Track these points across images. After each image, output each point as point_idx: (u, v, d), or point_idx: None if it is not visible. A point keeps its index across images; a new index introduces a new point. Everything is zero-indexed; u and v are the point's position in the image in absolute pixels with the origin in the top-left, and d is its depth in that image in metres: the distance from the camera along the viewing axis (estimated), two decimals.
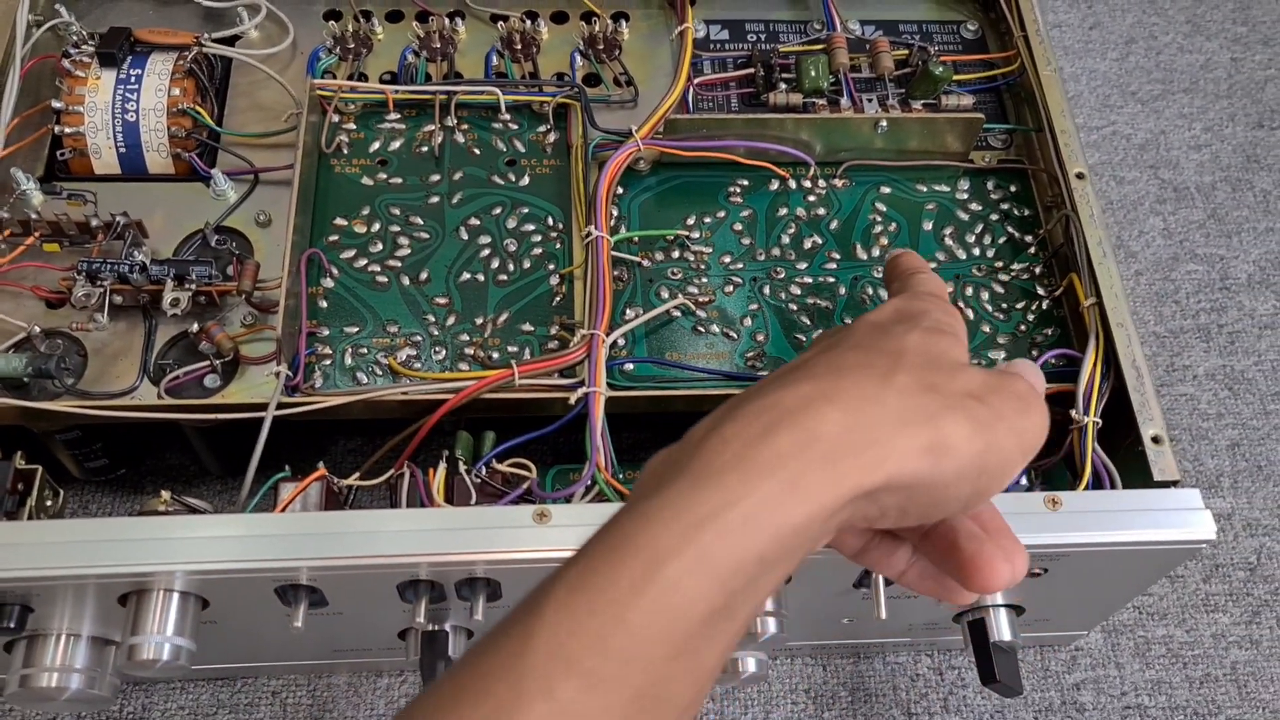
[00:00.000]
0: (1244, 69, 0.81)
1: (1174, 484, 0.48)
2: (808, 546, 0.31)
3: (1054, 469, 0.52)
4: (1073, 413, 0.50)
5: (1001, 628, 0.50)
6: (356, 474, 0.50)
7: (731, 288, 0.55)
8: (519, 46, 0.61)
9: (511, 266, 0.55)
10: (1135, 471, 0.49)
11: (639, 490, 0.32)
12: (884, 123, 0.57)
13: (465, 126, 0.59)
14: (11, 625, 0.44)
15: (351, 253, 0.55)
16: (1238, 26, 0.83)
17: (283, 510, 0.46)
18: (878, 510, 0.32)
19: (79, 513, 0.59)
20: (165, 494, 0.47)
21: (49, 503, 0.48)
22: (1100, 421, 0.49)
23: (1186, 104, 0.79)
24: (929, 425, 0.31)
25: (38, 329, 0.50)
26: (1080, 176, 0.56)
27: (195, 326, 0.51)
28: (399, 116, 0.59)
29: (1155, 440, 0.48)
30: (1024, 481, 0.50)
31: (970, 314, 0.55)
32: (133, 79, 0.56)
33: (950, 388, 0.33)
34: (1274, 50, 0.82)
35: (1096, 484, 0.48)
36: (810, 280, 0.56)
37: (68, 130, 0.55)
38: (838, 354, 0.34)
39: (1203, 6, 0.84)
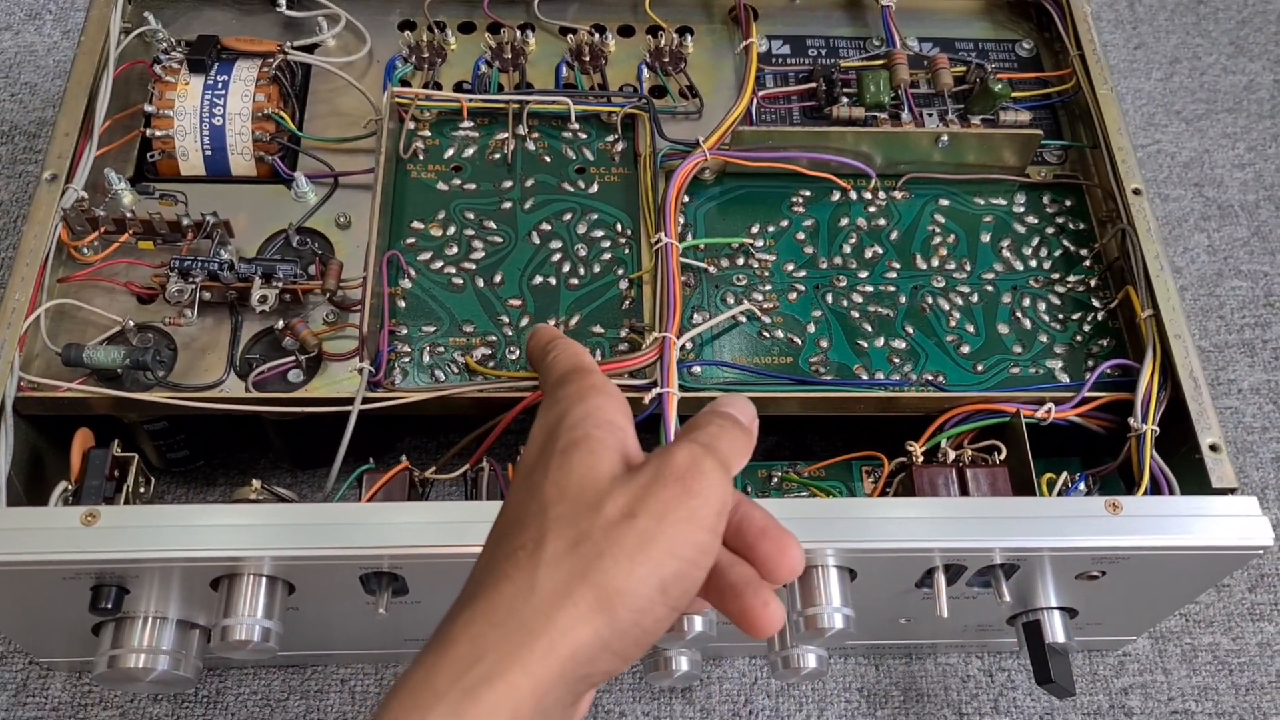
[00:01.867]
0: None
1: (1232, 491, 0.49)
2: None
3: (1110, 477, 0.53)
4: (1131, 421, 0.51)
5: (1056, 630, 0.52)
6: (433, 468, 0.52)
7: (795, 295, 0.57)
8: (587, 58, 0.63)
9: (582, 270, 0.57)
10: (1190, 480, 0.50)
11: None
12: (945, 137, 0.58)
13: (536, 135, 0.61)
14: (109, 606, 0.46)
15: (428, 255, 0.56)
16: None
17: (369, 499, 0.48)
18: (592, 679, 0.31)
19: (155, 502, 0.60)
20: (256, 482, 0.49)
21: (142, 490, 0.50)
22: (1159, 430, 0.51)
23: (1230, 123, 0.81)
24: (586, 584, 0.30)
25: (131, 323, 0.52)
26: (1137, 192, 0.57)
27: (280, 323, 0.52)
28: (472, 124, 0.61)
29: (1213, 448, 0.50)
30: (1082, 487, 0.52)
31: (1028, 324, 0.56)
32: (220, 85, 0.58)
33: (599, 523, 0.31)
34: None
35: (1154, 490, 0.50)
36: (871, 289, 0.57)
37: (158, 133, 0.57)
38: (495, 546, 0.33)
39: (1246, 29, 0.86)
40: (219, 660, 0.56)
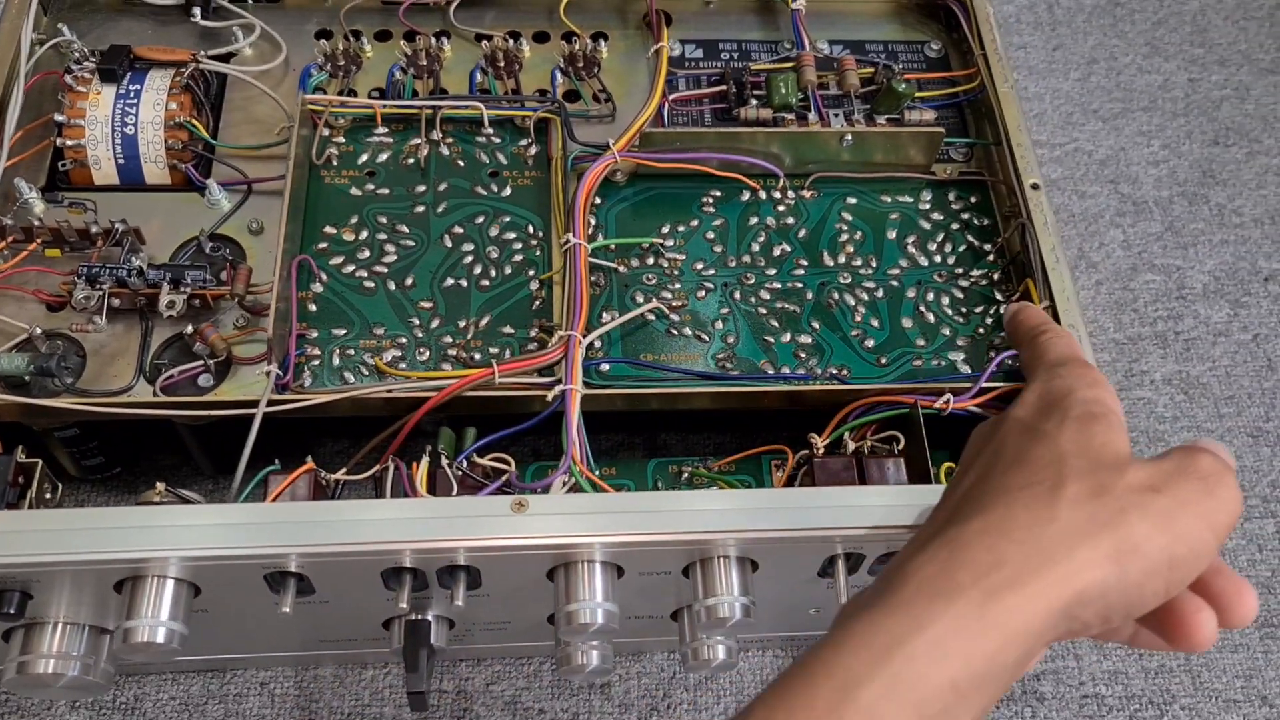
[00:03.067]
0: (1200, 89, 0.84)
1: None
2: (1010, 673, 0.32)
3: None
4: None
5: None
6: (344, 469, 0.52)
7: (704, 292, 0.58)
8: (502, 64, 0.64)
9: (493, 272, 0.57)
10: None
11: (833, 627, 0.34)
12: (849, 136, 0.60)
13: (450, 140, 0.61)
14: (11, 611, 0.46)
15: (340, 259, 0.57)
16: (1195, 48, 0.87)
17: (273, 500, 0.48)
18: (1079, 624, 0.33)
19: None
20: (160, 485, 0.49)
21: (48, 496, 0.50)
22: None
23: (1145, 122, 0.82)
24: (1108, 531, 0.32)
25: (39, 330, 0.52)
26: (1035, 187, 0.58)
27: (190, 328, 0.53)
28: (387, 130, 0.61)
29: None
30: None
31: (931, 318, 0.57)
32: (132, 94, 0.58)
33: (1121, 485, 0.33)
34: (1229, 71, 0.85)
35: None
36: (779, 286, 0.58)
37: (69, 142, 0.57)
38: (999, 476, 0.35)
39: (1161, 29, 0.88)
40: (133, 665, 0.56)
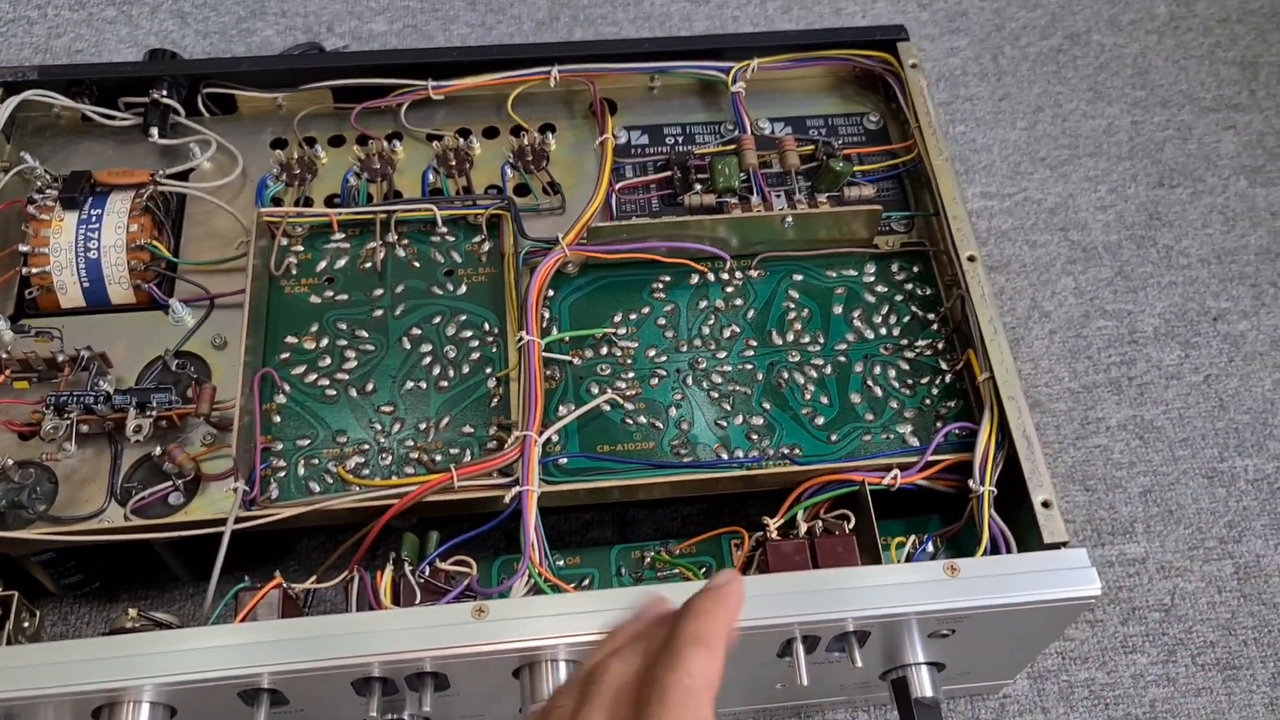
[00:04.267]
0: (1144, 131, 0.86)
1: (1063, 545, 0.52)
2: None
3: (960, 534, 0.56)
4: (970, 483, 0.54)
5: (924, 684, 0.54)
6: (313, 577, 0.54)
7: (657, 380, 0.59)
8: (453, 163, 0.66)
9: (451, 372, 0.59)
10: (1034, 532, 0.53)
11: None
12: (789, 219, 0.61)
13: (405, 241, 0.63)
14: None
15: (302, 368, 0.59)
16: (1136, 91, 0.89)
17: (242, 620, 0.50)
18: None
19: (59, 623, 0.62)
20: (132, 611, 0.51)
21: (25, 624, 0.52)
22: (995, 490, 0.53)
23: (1092, 167, 0.84)
24: None
25: (10, 461, 0.54)
26: (971, 259, 0.60)
27: (158, 449, 0.54)
28: (343, 236, 0.63)
29: (1045, 505, 0.53)
30: (930, 549, 0.54)
31: (879, 391, 0.59)
32: (93, 219, 0.60)
33: None
34: (1170, 112, 0.87)
35: (994, 548, 0.52)
36: (730, 368, 0.60)
37: (35, 270, 0.59)
38: None
39: (1104, 73, 0.90)
40: None
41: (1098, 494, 0.69)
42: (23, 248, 0.59)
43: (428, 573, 0.52)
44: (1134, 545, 0.67)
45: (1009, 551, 0.52)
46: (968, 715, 0.62)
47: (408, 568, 0.52)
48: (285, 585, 0.52)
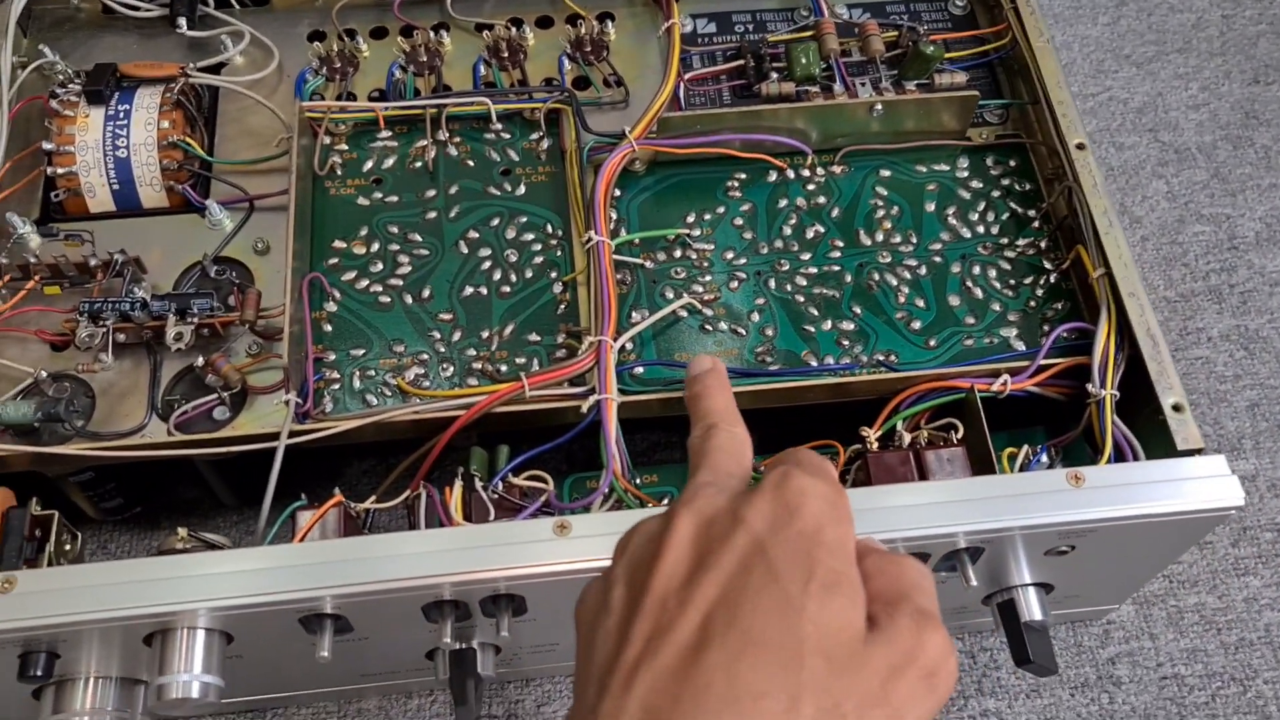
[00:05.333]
0: (1235, 25, 0.80)
1: (1198, 452, 0.47)
2: None
3: (1075, 444, 0.51)
4: (1089, 386, 0.49)
5: (1032, 607, 0.50)
6: (373, 497, 0.50)
7: (736, 283, 0.55)
8: (505, 54, 0.61)
9: (514, 277, 0.54)
10: (1158, 441, 0.49)
11: None
12: (879, 106, 0.56)
13: (457, 139, 0.58)
14: (39, 673, 0.43)
15: (352, 274, 0.54)
16: None
17: (301, 539, 0.46)
18: None
19: (98, 553, 0.58)
20: (182, 531, 0.47)
21: (67, 547, 0.48)
22: (1118, 394, 0.49)
23: (1181, 64, 0.78)
24: None
25: (44, 373, 0.49)
26: (1080, 147, 0.55)
27: (200, 360, 0.50)
28: (390, 134, 0.58)
29: (1176, 408, 0.48)
30: (1045, 459, 0.50)
31: (979, 293, 0.54)
32: (121, 115, 0.55)
33: (854, 696, 0.28)
34: (1264, 5, 0.81)
35: (1119, 457, 0.48)
36: (815, 270, 0.55)
37: (60, 171, 0.54)
38: (731, 651, 0.27)
39: None
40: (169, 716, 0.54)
41: (1201, 409, 0.64)
42: (46, 145, 0.54)
43: (500, 488, 0.48)
44: (1243, 462, 0.63)
45: (1135, 459, 0.48)
46: (1069, 642, 0.57)
47: (478, 483, 0.48)
48: (346, 503, 0.48)
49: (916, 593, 0.31)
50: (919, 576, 0.31)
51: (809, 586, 0.29)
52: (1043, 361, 0.51)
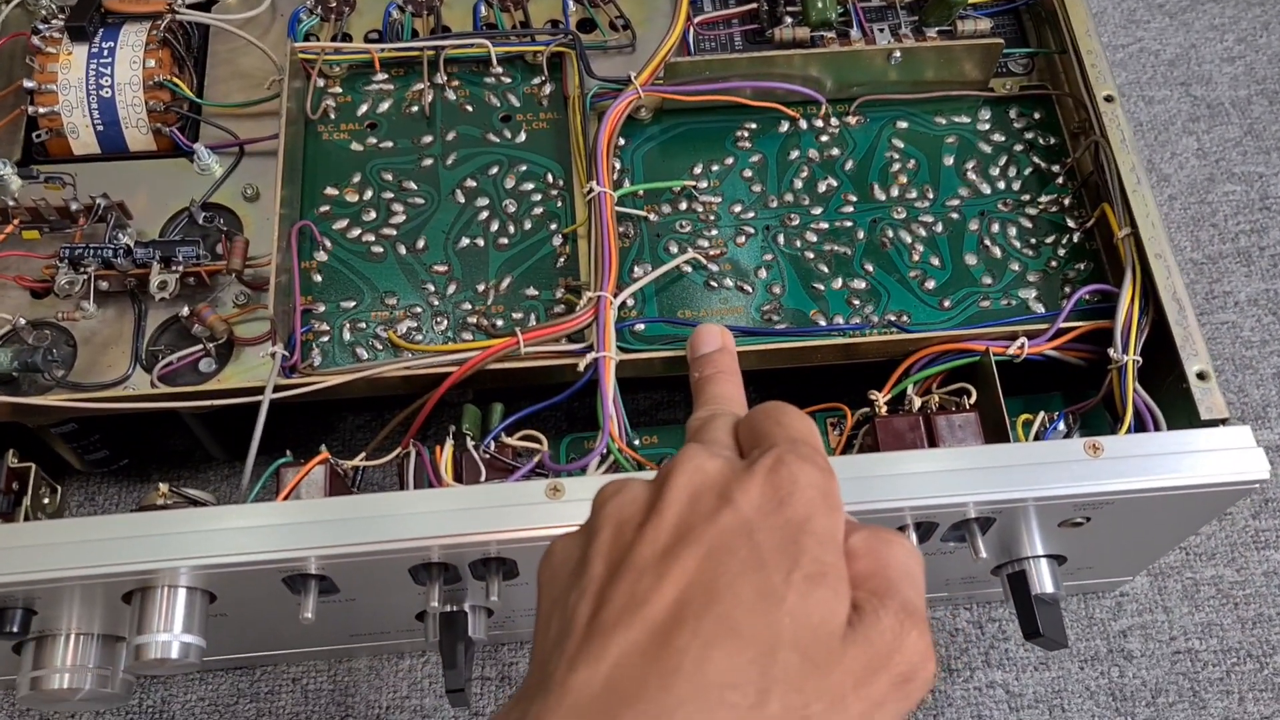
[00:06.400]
0: None
1: (1222, 422, 0.45)
2: None
3: (1093, 411, 0.49)
4: (1111, 351, 0.47)
5: (1043, 579, 0.48)
6: (362, 454, 0.48)
7: (744, 238, 0.52)
8: None
9: (512, 228, 0.52)
10: (1180, 410, 0.46)
11: None
12: (897, 53, 0.53)
13: (456, 83, 0.56)
14: (14, 629, 0.42)
15: (344, 223, 0.52)
16: None
17: (285, 498, 0.44)
18: None
19: (85, 504, 0.57)
20: (163, 487, 0.45)
21: (45, 500, 0.46)
22: (1140, 360, 0.46)
23: (1217, 14, 0.75)
24: None
25: (23, 321, 0.48)
26: (1109, 99, 0.52)
27: (186, 310, 0.48)
28: (386, 77, 0.56)
29: (1201, 376, 0.46)
30: (1062, 427, 0.48)
31: (998, 252, 0.52)
32: (105, 52, 0.53)
33: (825, 694, 0.26)
34: None
35: (1139, 426, 0.46)
36: (826, 226, 0.53)
37: (42, 110, 0.52)
38: (702, 640, 0.26)
39: None
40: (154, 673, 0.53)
41: (1225, 375, 0.62)
42: (28, 84, 0.52)
43: (493, 448, 0.46)
44: (1267, 431, 0.60)
45: (1156, 429, 0.46)
46: (1080, 614, 0.56)
47: (470, 442, 0.46)
48: (332, 461, 0.46)
49: (905, 583, 0.29)
50: (908, 562, 0.30)
51: (792, 576, 0.27)
52: (1062, 325, 0.48)
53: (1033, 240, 0.52)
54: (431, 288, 0.51)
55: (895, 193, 0.53)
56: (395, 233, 0.52)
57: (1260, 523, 0.58)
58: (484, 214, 0.53)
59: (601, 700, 0.25)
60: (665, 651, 0.26)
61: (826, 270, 0.51)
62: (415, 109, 0.55)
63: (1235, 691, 0.54)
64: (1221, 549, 0.57)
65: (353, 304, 0.50)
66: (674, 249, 0.52)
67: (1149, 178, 0.68)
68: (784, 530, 0.28)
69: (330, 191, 0.53)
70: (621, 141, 0.54)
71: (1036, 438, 0.47)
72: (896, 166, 0.54)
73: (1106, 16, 0.75)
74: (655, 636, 0.26)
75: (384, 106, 0.55)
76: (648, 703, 0.25)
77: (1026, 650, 0.55)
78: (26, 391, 0.47)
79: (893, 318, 0.50)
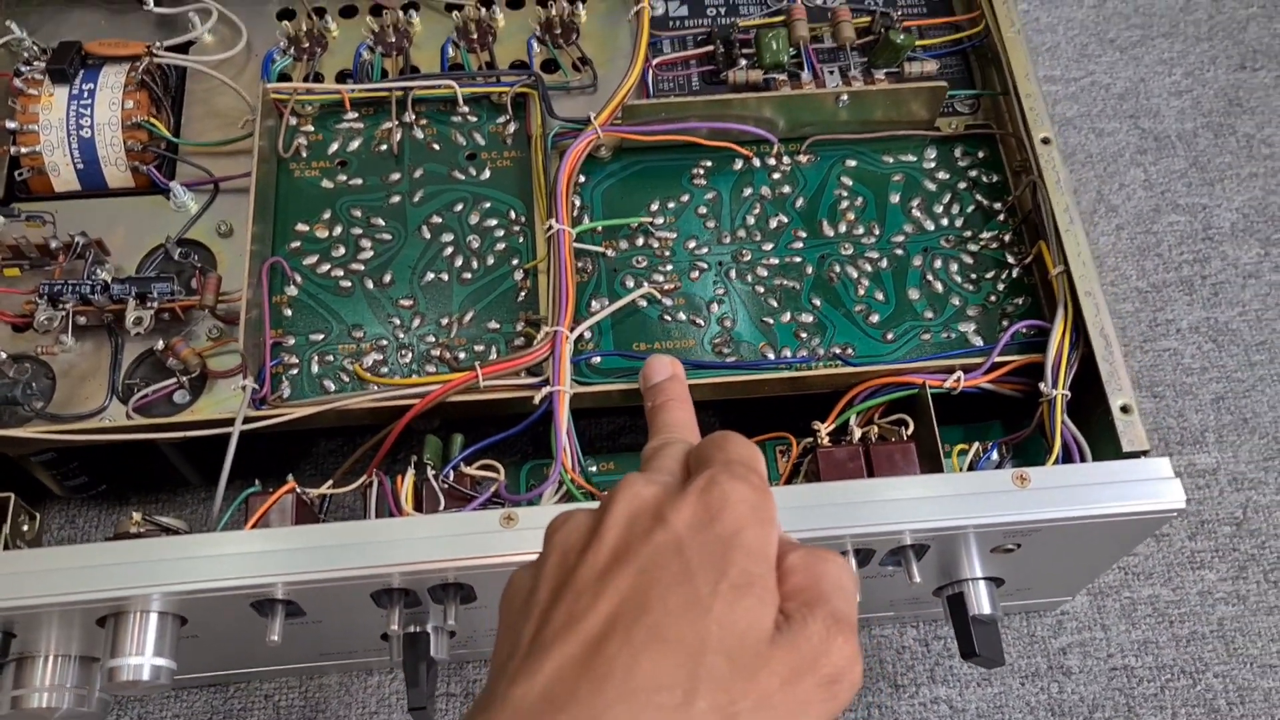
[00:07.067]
0: (1225, 9, 0.79)
1: (1143, 454, 0.47)
2: None
3: (1031, 439, 0.51)
4: (1042, 386, 0.49)
5: (981, 601, 0.50)
6: (329, 482, 0.50)
7: (697, 273, 0.55)
8: (475, 36, 0.60)
9: (475, 264, 0.55)
10: (1107, 441, 0.49)
11: None
12: (845, 97, 0.56)
13: (424, 122, 0.58)
14: None
15: (314, 258, 0.54)
16: None
17: (252, 526, 0.46)
18: None
19: (66, 527, 0.59)
20: (136, 515, 0.47)
21: (24, 527, 0.48)
22: (1069, 394, 0.49)
23: (1167, 49, 0.78)
24: None
25: (4, 354, 0.50)
26: (1046, 141, 0.55)
27: (161, 343, 0.51)
28: (356, 115, 0.58)
29: (1124, 410, 0.48)
30: (995, 457, 0.50)
31: (940, 287, 0.54)
32: (85, 94, 0.55)
33: (750, 698, 0.28)
34: None
35: (1066, 457, 0.48)
36: (776, 261, 0.55)
37: (24, 150, 0.55)
38: (631, 648, 0.28)
39: None
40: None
41: (1166, 400, 0.65)
42: (10, 124, 0.54)
43: (452, 477, 0.48)
44: (1204, 455, 0.63)
45: (1083, 460, 0.48)
46: (1023, 632, 0.58)
47: (430, 472, 0.48)
48: (299, 490, 0.48)
49: (837, 595, 0.31)
50: (841, 577, 0.32)
51: (719, 586, 0.29)
52: (998, 359, 0.51)
53: (974, 275, 0.55)
54: (397, 321, 0.53)
55: (843, 229, 0.56)
56: (363, 268, 0.54)
57: (1196, 544, 0.60)
58: (449, 249, 0.55)
59: (538, 708, 0.27)
60: (597, 660, 0.28)
61: (776, 304, 0.54)
62: (384, 147, 0.57)
63: (1168, 707, 0.56)
64: (1158, 569, 0.60)
65: (321, 337, 0.52)
66: (630, 283, 0.54)
67: (1098, 208, 0.71)
68: (714, 545, 0.30)
69: (301, 227, 0.55)
70: (582, 179, 0.57)
71: (971, 467, 0.50)
72: (845, 204, 0.57)
73: (1060, 50, 0.78)
74: (588, 648, 0.28)
75: (354, 145, 0.58)
76: (580, 706, 0.27)
77: (969, 667, 0.57)
78: (7, 423, 0.49)
79: (838, 350, 0.52)
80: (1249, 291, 0.68)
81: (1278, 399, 0.64)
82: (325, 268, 0.54)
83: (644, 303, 0.54)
